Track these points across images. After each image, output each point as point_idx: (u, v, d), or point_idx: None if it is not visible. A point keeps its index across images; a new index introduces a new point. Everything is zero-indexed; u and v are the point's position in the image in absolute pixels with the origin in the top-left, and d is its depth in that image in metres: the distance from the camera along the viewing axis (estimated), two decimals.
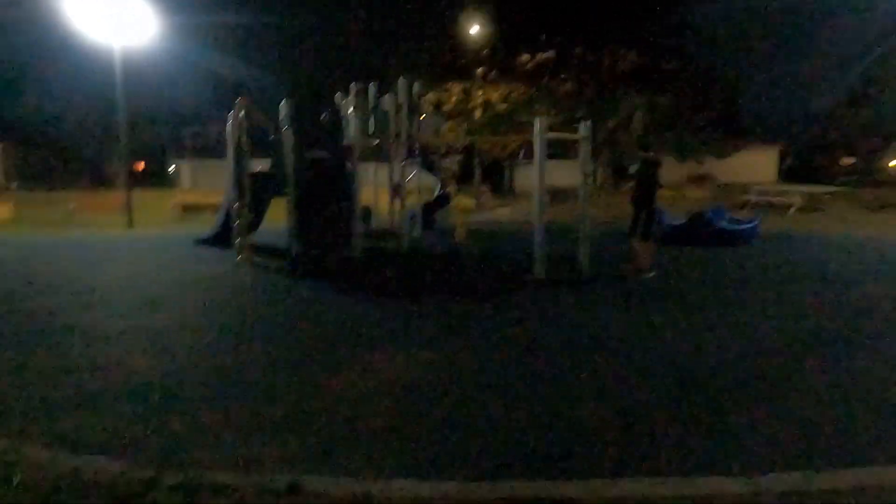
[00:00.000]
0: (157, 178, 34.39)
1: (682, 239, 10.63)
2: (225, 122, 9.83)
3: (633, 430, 3.33)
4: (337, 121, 10.14)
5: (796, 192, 18.59)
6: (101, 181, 31.64)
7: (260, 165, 10.85)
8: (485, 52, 24.75)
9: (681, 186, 23.94)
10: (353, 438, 3.25)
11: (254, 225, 10.22)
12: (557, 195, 18.72)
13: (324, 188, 9.76)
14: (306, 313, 6.27)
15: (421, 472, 2.87)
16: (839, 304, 6.44)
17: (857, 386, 4.00)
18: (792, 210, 17.41)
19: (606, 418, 3.50)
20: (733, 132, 25.85)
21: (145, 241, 12.25)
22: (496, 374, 4.25)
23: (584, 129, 8.36)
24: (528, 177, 22.60)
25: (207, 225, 12.67)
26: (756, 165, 30.15)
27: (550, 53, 24.35)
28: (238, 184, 9.42)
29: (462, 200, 13.21)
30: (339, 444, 3.18)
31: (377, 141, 10.69)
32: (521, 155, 26.82)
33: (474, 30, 23.97)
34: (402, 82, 11.36)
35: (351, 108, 9.94)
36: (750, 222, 11.48)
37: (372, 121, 10.61)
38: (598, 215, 14.09)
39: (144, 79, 22.26)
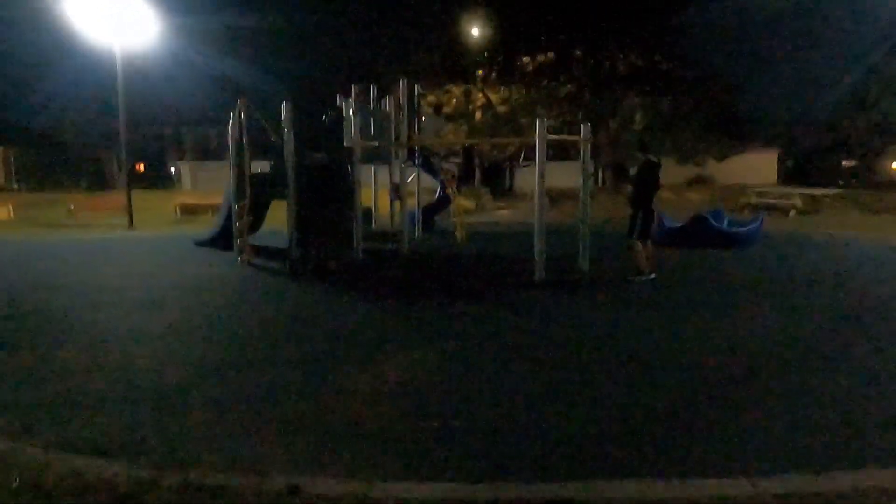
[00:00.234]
0: (157, 179, 34.40)
1: (682, 241, 10.63)
2: (225, 123, 9.84)
3: (633, 432, 3.33)
4: (337, 123, 10.15)
5: (796, 195, 18.60)
6: (101, 182, 31.67)
7: (260, 167, 10.85)
8: (485, 54, 24.77)
9: (681, 189, 23.95)
10: (352, 439, 3.24)
11: (254, 226, 10.22)
12: (557, 197, 18.76)
13: (324, 190, 9.77)
14: (306, 315, 6.27)
15: (421, 474, 2.87)
16: (840, 306, 6.44)
17: (859, 388, 3.99)
18: (792, 212, 17.43)
19: (606, 419, 3.49)
20: (733, 134, 25.83)
21: (146, 242, 12.25)
22: (496, 376, 4.25)
23: (584, 131, 8.37)
24: (528, 179, 22.64)
25: (207, 226, 12.68)
26: (756, 168, 30.12)
27: (551, 55, 24.36)
28: (238, 185, 9.43)
29: (462, 202, 13.21)
30: (338, 445, 3.18)
31: (377, 143, 10.70)
32: (522, 157, 26.86)
33: (475, 32, 23.98)
34: (402, 84, 11.38)
35: (351, 110, 9.94)
36: (750, 224, 11.48)
37: (372, 123, 10.62)
38: (599, 217, 14.10)
39: (145, 80, 22.29)
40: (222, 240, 10.41)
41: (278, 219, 10.79)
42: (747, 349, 4.88)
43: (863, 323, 5.74)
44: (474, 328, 5.61)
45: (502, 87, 24.99)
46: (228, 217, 10.17)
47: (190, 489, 2.70)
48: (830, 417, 3.52)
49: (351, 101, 10.36)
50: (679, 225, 11.25)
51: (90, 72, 21.68)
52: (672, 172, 22.36)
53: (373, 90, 12.07)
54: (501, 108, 24.94)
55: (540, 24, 23.60)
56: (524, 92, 24.74)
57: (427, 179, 13.77)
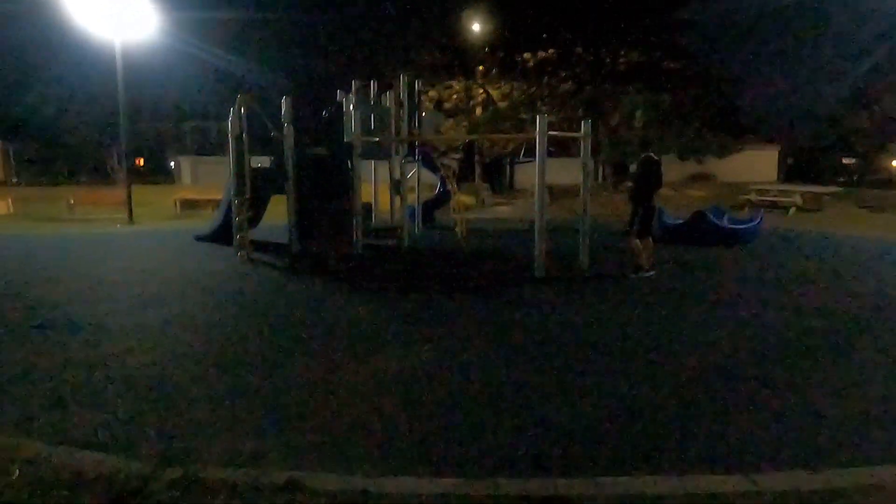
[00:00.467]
0: (157, 173, 34.37)
1: (682, 238, 10.64)
2: (225, 118, 9.82)
3: (632, 428, 3.33)
4: (337, 118, 10.14)
5: (796, 192, 18.58)
6: (101, 177, 31.64)
7: (260, 162, 10.85)
8: (486, 49, 24.71)
9: (681, 185, 23.94)
10: (352, 435, 3.25)
11: (254, 221, 10.22)
12: (558, 193, 18.73)
13: (324, 185, 9.77)
14: (305, 310, 6.27)
15: (420, 469, 2.87)
16: (839, 303, 6.44)
17: (858, 385, 4.00)
18: (792, 210, 17.41)
19: (606, 416, 3.50)
20: (734, 131, 25.81)
21: (146, 237, 12.24)
22: (496, 371, 4.25)
23: (584, 127, 8.36)
24: (528, 175, 22.62)
25: (207, 221, 12.67)
26: (756, 165, 30.10)
27: (551, 51, 24.31)
28: (238, 180, 9.42)
29: (462, 198, 13.19)
30: (337, 440, 3.19)
31: (378, 138, 10.68)
32: (522, 153, 26.83)
33: (476, 27, 23.93)
34: (403, 79, 11.36)
35: (352, 105, 9.93)
36: (750, 222, 11.47)
37: (373, 118, 10.61)
38: (599, 213, 14.09)
39: (145, 75, 22.25)
40: (222, 235, 10.41)
41: (278, 214, 10.79)
42: (746, 346, 4.89)
43: (862, 320, 5.74)
44: (474, 324, 5.61)
45: (503, 83, 24.95)
46: (228, 212, 10.16)
47: (189, 483, 2.70)
48: (830, 414, 3.52)
49: (351, 96, 10.34)
50: (679, 221, 11.25)
51: (90, 66, 21.65)
52: (672, 169, 22.35)
53: (373, 85, 12.05)
54: (502, 104, 24.91)
55: (541, 20, 23.55)
56: (525, 88, 24.70)
57: (427, 175, 13.76)
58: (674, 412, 3.56)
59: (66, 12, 15.09)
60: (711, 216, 11.03)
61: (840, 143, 33.04)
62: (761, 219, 11.43)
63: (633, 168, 8.21)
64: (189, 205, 17.47)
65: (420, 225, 12.83)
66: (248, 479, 2.75)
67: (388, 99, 11.16)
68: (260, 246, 9.86)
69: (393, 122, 10.88)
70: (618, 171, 25.44)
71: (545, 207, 7.84)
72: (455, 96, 25.15)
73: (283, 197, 9.88)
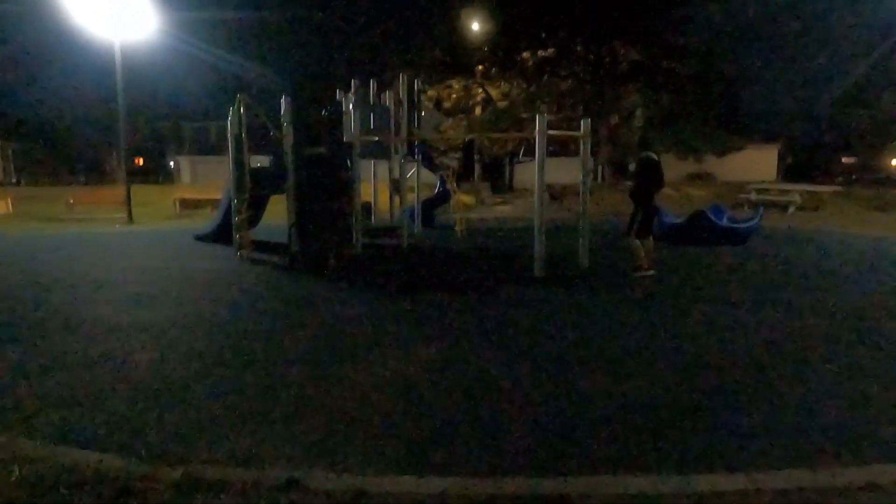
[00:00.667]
0: (156, 173, 34.37)
1: (681, 237, 10.64)
2: (225, 117, 9.82)
3: (632, 427, 3.33)
4: (337, 117, 10.14)
5: (796, 191, 18.60)
6: (100, 176, 31.64)
7: (260, 162, 10.85)
8: (485, 48, 24.72)
9: (681, 184, 23.96)
10: (352, 434, 3.25)
11: (253, 221, 10.22)
12: (558, 192, 18.74)
13: (324, 185, 9.76)
14: (305, 309, 6.27)
15: (419, 469, 2.87)
16: (838, 302, 6.44)
17: (857, 383, 4.00)
18: (791, 209, 17.43)
19: (605, 415, 3.50)
20: (733, 130, 25.84)
21: (145, 237, 12.24)
22: (495, 371, 4.25)
23: (584, 126, 8.36)
24: (527, 174, 22.62)
25: (207, 221, 12.68)
26: (756, 164, 30.15)
27: (551, 51, 24.32)
28: (238, 180, 9.42)
29: (462, 197, 13.21)
30: (337, 439, 3.19)
31: (377, 137, 10.69)
32: (522, 152, 26.84)
33: (475, 26, 23.92)
34: (402, 79, 11.36)
35: (351, 105, 9.93)
36: (749, 221, 11.48)
37: (372, 117, 10.61)
38: (599, 213, 14.09)
39: (144, 74, 22.27)
40: (222, 234, 10.42)
41: (278, 214, 10.79)
42: (745, 345, 4.89)
43: (861, 319, 5.74)
44: (473, 323, 5.61)
45: (502, 83, 24.97)
46: (228, 211, 10.16)
47: (189, 483, 2.70)
48: (829, 412, 3.52)
49: (351, 95, 10.35)
50: (678, 221, 11.26)
51: (90, 66, 21.66)
52: (672, 168, 22.36)
53: (373, 85, 12.05)
54: (501, 104, 24.93)
55: (540, 19, 23.55)
56: (524, 87, 24.71)
57: (427, 174, 13.76)
58: (673, 411, 3.56)
59: (65, 12, 15.09)
60: (711, 215, 11.04)
61: (839, 143, 33.07)
62: (761, 217, 11.43)
63: (632, 167, 8.21)
64: (188, 204, 17.48)
65: (420, 225, 12.84)
66: (248, 477, 2.75)
67: (388, 98, 11.17)
68: (260, 245, 9.86)
69: (392, 121, 10.88)
70: (617, 170, 25.47)
71: (544, 207, 7.85)
72: (455, 95, 25.15)
73: (283, 197, 9.88)
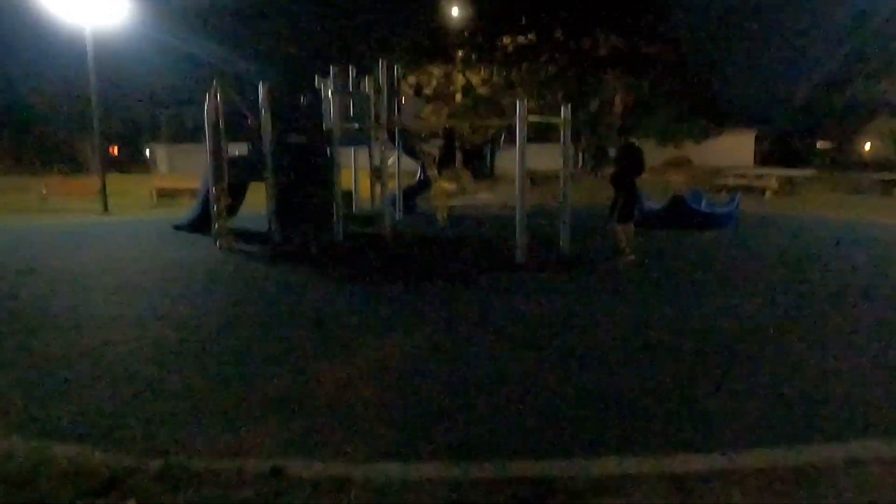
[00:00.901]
0: (132, 162, 33.74)
1: (661, 223, 10.74)
2: (201, 104, 9.66)
3: (612, 410, 3.38)
4: (316, 104, 10.02)
5: (772, 176, 18.86)
6: (74, 166, 30.98)
7: (238, 149, 10.70)
8: (465, 34, 24.57)
9: (659, 170, 24.13)
10: (336, 422, 3.25)
11: (232, 210, 10.10)
12: (539, 179, 18.78)
13: (303, 172, 9.67)
14: (286, 298, 6.23)
15: (403, 455, 2.89)
16: (815, 284, 6.58)
17: (832, 363, 4.09)
18: (768, 193, 17.68)
19: (586, 398, 3.54)
20: (711, 116, 26.08)
21: (122, 227, 12.05)
22: (477, 357, 4.27)
23: (564, 112, 8.37)
24: (509, 160, 22.65)
25: (185, 210, 12.51)
26: (733, 149, 30.43)
27: (531, 37, 24.24)
28: (216, 168, 9.28)
29: (443, 184, 13.17)
30: (321, 427, 3.19)
31: (357, 125, 10.59)
32: (503, 139, 26.83)
33: (455, 11, 23.76)
34: (382, 65, 11.25)
35: (330, 91, 9.82)
36: (727, 206, 11.63)
37: (352, 104, 10.50)
38: (579, 199, 14.16)
39: (118, 61, 21.74)
40: (201, 223, 10.28)
41: (257, 202, 10.68)
42: (725, 327, 4.97)
43: (838, 300, 5.86)
44: (455, 310, 5.63)
45: (483, 69, 24.86)
46: (207, 200, 10.02)
47: (172, 474, 2.68)
48: (805, 392, 3.61)
49: (329, 82, 10.23)
50: (658, 206, 11.36)
51: (61, 52, 21.12)
52: (651, 154, 22.49)
53: (352, 71, 11.91)
54: (482, 90, 24.84)
55: (520, 4, 23.45)
56: (505, 73, 24.64)
57: (408, 162, 13.69)
58: (652, 393, 3.61)
59: None
60: (689, 201, 11.15)
61: (815, 128, 33.54)
62: (738, 202, 11.58)
63: (612, 153, 8.26)
64: (166, 194, 17.19)
65: (401, 212, 12.79)
66: (232, 467, 2.74)
67: (367, 85, 11.06)
68: (239, 234, 9.76)
69: (372, 108, 10.78)
70: (598, 156, 25.58)
71: (526, 193, 7.86)
72: (435, 82, 25.00)
73: (262, 185, 9.78)
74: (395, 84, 11.98)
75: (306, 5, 24.39)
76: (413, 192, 14.24)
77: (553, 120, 8.67)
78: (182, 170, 27.58)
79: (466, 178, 22.85)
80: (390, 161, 12.23)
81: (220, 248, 8.93)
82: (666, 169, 25.49)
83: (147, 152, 35.15)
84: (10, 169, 29.18)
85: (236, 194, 10.20)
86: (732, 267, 7.67)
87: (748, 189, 17.80)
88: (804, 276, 7.08)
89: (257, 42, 24.77)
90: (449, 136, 21.66)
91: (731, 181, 19.02)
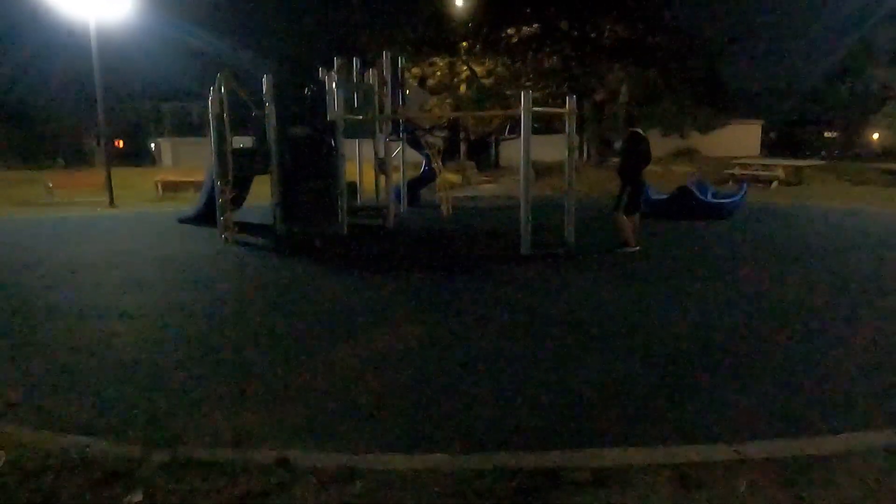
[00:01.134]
0: (136, 156, 33.82)
1: (666, 213, 10.70)
2: (206, 97, 9.64)
3: (619, 400, 3.38)
4: (320, 96, 10.00)
5: (779, 166, 18.73)
6: (79, 159, 31.06)
7: (242, 142, 10.70)
8: (469, 25, 24.42)
9: (666, 161, 24.01)
10: (340, 412, 3.26)
11: (237, 202, 10.10)
12: (543, 170, 18.73)
13: (308, 165, 9.67)
14: (291, 290, 6.24)
15: (409, 446, 2.89)
16: (821, 274, 6.54)
17: (839, 354, 4.07)
18: (774, 184, 17.56)
19: (591, 389, 3.54)
20: (717, 107, 25.89)
21: (127, 220, 12.08)
22: (483, 348, 4.27)
23: (569, 103, 8.32)
24: (513, 152, 22.55)
25: (190, 203, 12.53)
26: (740, 140, 30.28)
27: (536, 27, 24.08)
28: (220, 161, 9.28)
29: (447, 176, 13.15)
30: (326, 418, 3.20)
31: (361, 116, 10.57)
32: (507, 130, 26.72)
33: (459, 2, 23.61)
34: (386, 57, 11.21)
35: (334, 83, 9.79)
36: (734, 196, 11.56)
37: (356, 96, 10.48)
38: (584, 190, 14.11)
39: (123, 54, 21.76)
40: (206, 216, 10.29)
41: (262, 195, 10.69)
42: (731, 318, 4.95)
43: (844, 291, 5.83)
44: (460, 301, 5.62)
45: (487, 60, 24.71)
46: (211, 193, 10.03)
47: (178, 465, 2.70)
48: (812, 382, 3.59)
49: (334, 74, 10.20)
50: (664, 196, 11.31)
51: (65, 46, 21.14)
52: (657, 145, 22.37)
53: (356, 63, 11.88)
54: (486, 81, 24.71)
55: None
56: (509, 64, 24.49)
57: (412, 154, 13.67)
58: (658, 384, 3.61)
59: None
60: (696, 191, 11.09)
61: (822, 118, 33.29)
62: (744, 193, 11.51)
63: (617, 145, 8.22)
64: (171, 187, 17.21)
65: (406, 204, 12.78)
66: (238, 458, 2.75)
67: (372, 76, 11.03)
68: (244, 227, 9.77)
69: (377, 100, 10.76)
70: (603, 147, 25.47)
71: (530, 184, 7.83)
72: (439, 73, 24.87)
73: (267, 177, 9.78)
74: (399, 75, 11.94)
75: None
76: (418, 184, 14.23)
77: (558, 111, 8.62)
78: (186, 163, 27.64)
79: (471, 170, 22.83)
80: (395, 153, 12.21)
81: (225, 240, 8.95)
82: (672, 159, 25.38)
83: (152, 146, 35.23)
84: (16, 163, 29.30)
85: (241, 187, 10.21)
86: (738, 257, 7.63)
87: (755, 179, 17.69)
88: (809, 266, 7.03)
89: (261, 34, 24.71)
90: (453, 127, 21.58)
91: (737, 171, 18.90)
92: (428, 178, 14.31)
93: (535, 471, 2.64)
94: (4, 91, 27.58)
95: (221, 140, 9.28)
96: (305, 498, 2.46)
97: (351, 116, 10.01)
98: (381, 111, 10.91)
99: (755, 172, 18.75)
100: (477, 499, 2.45)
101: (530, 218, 7.73)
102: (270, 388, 3.61)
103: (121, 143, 35.04)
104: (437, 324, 4.87)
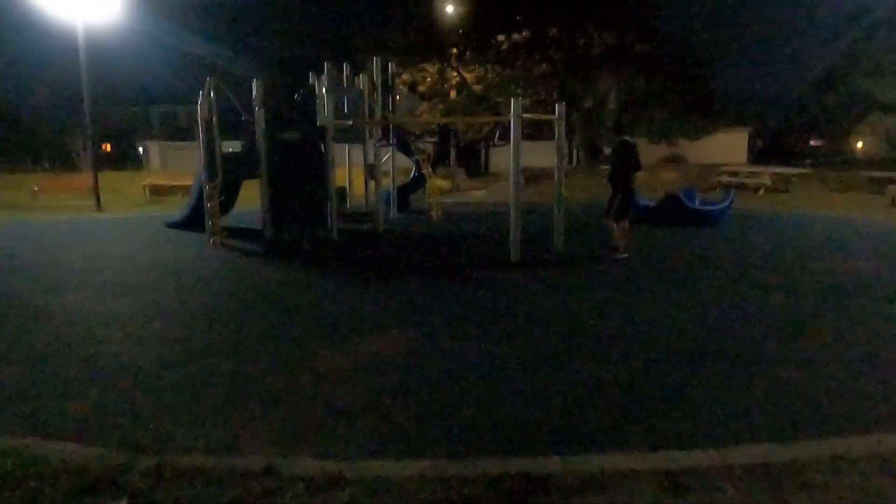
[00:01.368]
0: (124, 159, 33.57)
1: (655, 219, 10.77)
2: (195, 101, 9.61)
3: (606, 406, 3.39)
4: (310, 101, 9.99)
5: (766, 174, 18.92)
6: (66, 163, 30.79)
7: (231, 146, 10.66)
8: (460, 31, 24.53)
9: (654, 168, 24.18)
10: (329, 418, 3.24)
11: (226, 207, 10.05)
12: (533, 176, 18.79)
13: (297, 170, 9.65)
14: (280, 295, 6.21)
15: (397, 452, 2.88)
16: (806, 281, 6.60)
17: (822, 360, 4.11)
18: (761, 191, 17.74)
19: (580, 395, 3.54)
20: (705, 114, 26.15)
21: (115, 224, 11.99)
22: (471, 354, 4.27)
23: (559, 110, 8.37)
24: (503, 159, 22.64)
25: (178, 208, 12.45)
26: (727, 147, 30.53)
27: (525, 34, 24.23)
28: (209, 165, 9.24)
29: (437, 182, 13.16)
30: (314, 424, 3.18)
31: (351, 121, 10.56)
32: (497, 137, 26.81)
33: (449, 9, 23.72)
34: (376, 62, 11.22)
35: (324, 88, 9.79)
36: (721, 203, 11.66)
37: (346, 101, 10.48)
38: (573, 196, 14.18)
39: (111, 57, 21.61)
40: (194, 221, 10.23)
41: (251, 199, 10.64)
42: (718, 324, 4.98)
43: (827, 297, 5.89)
44: (449, 307, 5.62)
45: (477, 66, 24.84)
46: (200, 198, 9.98)
47: (164, 472, 2.67)
48: (796, 389, 3.62)
49: (324, 78, 10.19)
50: (652, 203, 11.38)
51: (53, 48, 20.97)
52: (645, 152, 22.53)
53: (346, 68, 11.89)
54: (476, 87, 24.82)
55: (515, 3, 23.43)
56: (499, 70, 24.63)
57: (403, 159, 13.68)
58: (645, 389, 3.62)
59: None
60: (683, 198, 11.18)
61: (808, 126, 33.70)
62: (731, 200, 11.61)
63: (607, 151, 8.28)
64: (159, 191, 17.12)
65: (395, 210, 12.78)
66: (225, 465, 2.73)
67: (362, 82, 11.04)
68: (233, 232, 9.73)
69: (366, 105, 10.76)
70: (592, 154, 25.63)
71: (520, 190, 7.86)
72: (429, 79, 24.96)
73: (256, 182, 9.74)
74: (390, 81, 11.96)
75: (302, 3, 24.30)
76: (407, 190, 14.23)
77: (547, 117, 8.67)
78: (175, 167, 27.47)
79: (460, 176, 22.86)
80: (384, 158, 12.22)
81: (214, 245, 8.90)
82: (660, 166, 25.56)
83: (140, 150, 34.98)
84: (1, 166, 29.00)
85: (230, 192, 10.16)
86: (725, 264, 7.69)
87: (742, 186, 17.86)
88: (794, 272, 7.10)
89: (252, 38, 24.66)
90: (443, 133, 21.65)
91: (725, 179, 19.07)
92: (418, 183, 14.32)
93: (524, 477, 2.64)
94: None
95: (210, 144, 9.25)
96: None
97: (341, 121, 10.00)
98: (371, 116, 10.92)
99: (742, 180, 18.94)
100: None
101: (520, 224, 7.75)
102: (258, 393, 3.59)
103: (108, 147, 34.76)
104: (425, 330, 4.87)
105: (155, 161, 32.55)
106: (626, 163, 7.73)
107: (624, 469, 2.70)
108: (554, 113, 8.42)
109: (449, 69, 25.13)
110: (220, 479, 2.62)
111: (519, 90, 22.67)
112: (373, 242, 9.58)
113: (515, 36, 24.22)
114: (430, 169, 13.20)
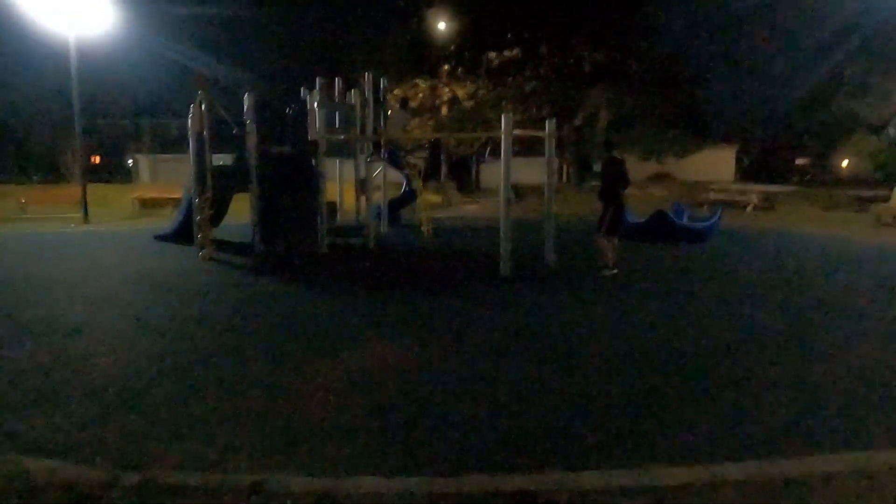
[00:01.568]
0: (114, 172, 33.39)
1: (644, 236, 10.84)
2: (186, 114, 9.60)
3: (596, 423, 3.38)
4: (301, 115, 10.01)
5: (753, 191, 19.14)
6: (54, 175, 30.57)
7: (222, 160, 10.64)
8: (451, 48, 24.75)
9: (643, 185, 24.40)
10: (317, 435, 3.21)
11: (215, 220, 10.01)
12: (523, 192, 18.89)
13: (288, 183, 9.64)
14: (269, 309, 6.17)
15: (386, 469, 2.86)
16: (793, 296, 6.65)
17: (811, 376, 4.13)
18: (750, 207, 17.93)
19: (569, 411, 3.54)
20: (693, 132, 26.48)
21: (103, 237, 11.90)
22: (461, 369, 4.26)
23: (549, 126, 8.44)
24: (494, 174, 22.75)
25: (167, 220, 12.39)
26: (715, 165, 30.90)
27: (516, 51, 24.48)
28: (199, 178, 9.21)
29: (428, 197, 13.20)
30: (302, 440, 3.15)
31: (342, 136, 10.59)
32: (488, 152, 26.99)
33: (441, 26, 23.94)
34: (368, 77, 11.28)
35: (316, 103, 9.82)
36: (709, 220, 11.76)
37: (337, 116, 10.50)
38: (564, 212, 14.25)
39: (102, 70, 21.57)
40: (184, 234, 10.18)
41: (241, 212, 10.60)
42: (706, 340, 5.00)
43: (814, 313, 5.94)
44: (440, 322, 5.61)
45: (468, 82, 25.03)
46: (189, 211, 9.94)
47: (148, 489, 2.63)
48: (786, 404, 3.63)
49: (315, 93, 10.23)
50: (640, 220, 11.46)
51: (43, 60, 20.92)
52: (633, 169, 22.72)
53: (338, 83, 11.94)
54: (467, 103, 24.99)
55: (506, 20, 23.70)
56: (490, 87, 24.83)
57: (394, 174, 13.71)
58: (635, 406, 3.62)
59: (18, 4, 14.56)
60: (672, 215, 11.27)
61: (794, 144, 34.16)
62: (719, 216, 11.72)
63: (596, 167, 8.35)
64: (148, 204, 17.02)
65: (386, 224, 12.79)
66: (211, 482, 2.69)
67: (354, 97, 11.08)
68: (222, 245, 9.68)
69: (358, 120, 10.80)
70: (581, 170, 25.82)
71: (511, 206, 7.89)
72: (421, 95, 25.11)
73: (246, 195, 9.72)
74: (382, 96, 12.02)
75: (294, 18, 24.43)
76: (398, 205, 14.26)
77: (538, 134, 8.74)
78: (165, 180, 27.34)
79: (451, 191, 22.97)
80: (375, 173, 12.24)
81: (203, 258, 8.85)
82: (649, 183, 25.80)
83: (129, 162, 34.81)
84: None
85: (220, 205, 10.12)
86: (713, 280, 7.74)
87: (730, 204, 18.05)
88: (782, 289, 7.16)
89: (243, 53, 24.72)
90: (434, 148, 21.76)
91: (713, 196, 19.27)
92: (409, 198, 14.35)
93: (511, 494, 2.63)
94: None
95: (201, 157, 9.23)
96: None
97: (332, 136, 10.02)
98: (363, 131, 10.95)
99: (730, 197, 19.15)
100: None
101: (510, 239, 7.77)
102: (246, 409, 3.55)
103: (97, 159, 34.57)
104: (415, 344, 4.85)
105: (145, 173, 32.40)
106: (614, 179, 7.79)
107: (614, 486, 2.70)
108: (544, 129, 8.49)
109: (441, 85, 25.31)
110: (206, 497, 2.59)
111: (510, 106, 22.86)
112: (363, 257, 9.56)
113: (506, 53, 24.47)
114: (421, 184, 13.24)
